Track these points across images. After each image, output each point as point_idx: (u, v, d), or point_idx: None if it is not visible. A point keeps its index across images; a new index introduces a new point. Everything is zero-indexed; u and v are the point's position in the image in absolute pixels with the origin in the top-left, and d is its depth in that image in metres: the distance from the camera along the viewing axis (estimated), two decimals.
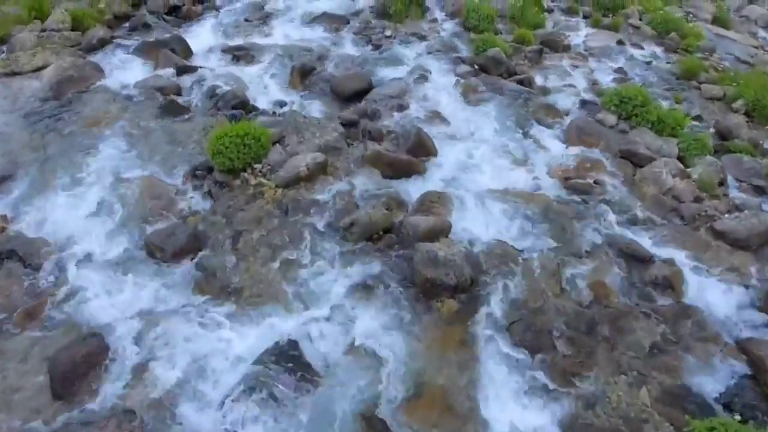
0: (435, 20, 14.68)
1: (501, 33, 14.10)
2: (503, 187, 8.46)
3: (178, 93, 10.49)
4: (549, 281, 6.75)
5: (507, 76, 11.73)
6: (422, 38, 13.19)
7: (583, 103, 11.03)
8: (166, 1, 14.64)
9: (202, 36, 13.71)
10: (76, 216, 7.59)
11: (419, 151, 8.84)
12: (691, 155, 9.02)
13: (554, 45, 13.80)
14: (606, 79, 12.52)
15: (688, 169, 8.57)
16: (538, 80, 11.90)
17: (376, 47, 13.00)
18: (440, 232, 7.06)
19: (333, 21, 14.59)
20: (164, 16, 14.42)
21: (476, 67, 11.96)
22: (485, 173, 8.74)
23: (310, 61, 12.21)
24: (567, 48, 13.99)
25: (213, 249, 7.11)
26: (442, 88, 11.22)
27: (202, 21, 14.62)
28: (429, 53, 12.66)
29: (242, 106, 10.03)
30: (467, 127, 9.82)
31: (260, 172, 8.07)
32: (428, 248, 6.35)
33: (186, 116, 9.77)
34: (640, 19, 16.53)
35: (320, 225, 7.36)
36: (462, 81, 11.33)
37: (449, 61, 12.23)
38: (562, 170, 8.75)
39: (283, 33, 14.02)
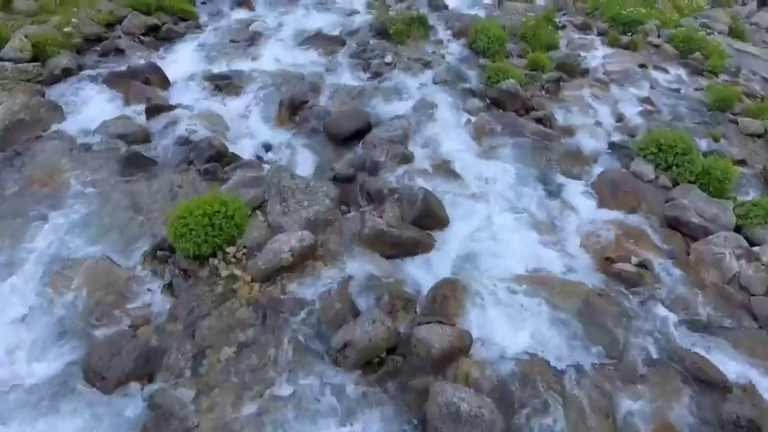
0: (440, 41, 12.79)
1: (512, 56, 12.21)
2: (530, 268, 6.68)
3: (146, 140, 8.63)
4: (601, 423, 4.98)
5: (524, 112, 9.89)
6: (426, 65, 11.31)
7: (613, 147, 9.23)
8: (143, 20, 12.70)
9: (182, 61, 11.81)
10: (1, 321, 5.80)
11: (427, 221, 7.04)
12: (752, 225, 7.23)
13: (571, 69, 11.96)
14: (632, 112, 10.70)
15: (755, 249, 6.78)
16: (559, 116, 10.07)
17: (376, 75, 11.14)
18: (459, 351, 5.30)
19: (327, 42, 12.70)
20: (142, 37, 12.50)
21: (488, 101, 10.12)
22: (506, 248, 6.94)
23: (301, 93, 10.35)
24: (585, 72, 12.15)
25: (169, 374, 5.32)
26: (451, 127, 9.40)
27: (184, 42, 12.72)
28: (435, 83, 10.80)
29: (219, 158, 8.19)
30: (482, 184, 8.02)
31: (234, 257, 6.28)
32: (447, 398, 4.56)
33: (152, 172, 7.94)
34: (659, 36, 14.65)
35: (306, 338, 5.57)
36: (473, 120, 9.50)
37: (457, 94, 10.38)
38: (600, 245, 6.97)
39: (273, 56, 12.14)
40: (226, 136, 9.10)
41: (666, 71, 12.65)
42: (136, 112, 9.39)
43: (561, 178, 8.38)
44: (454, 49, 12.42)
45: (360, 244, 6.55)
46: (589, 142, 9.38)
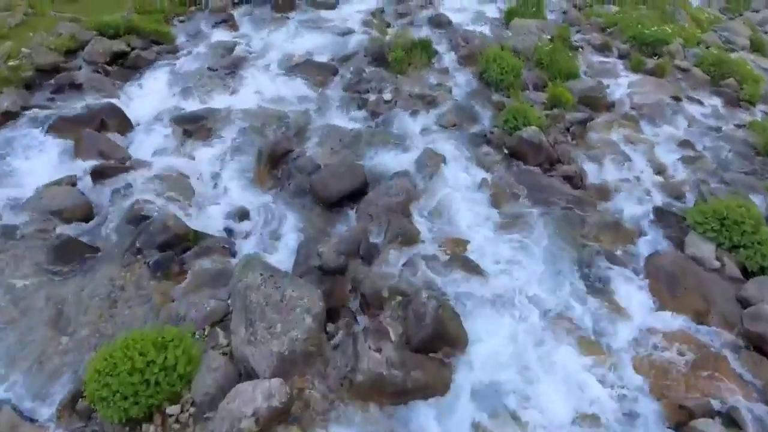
0: (445, 70, 10.74)
1: (528, 87, 10.20)
2: (577, 415, 4.77)
3: (88, 216, 6.69)
4: None
5: (549, 166, 7.93)
6: (430, 102, 9.31)
7: (659, 214, 7.26)
8: (108, 46, 10.65)
9: (149, 96, 9.82)
10: None
11: (439, 343, 5.13)
12: None
13: (596, 103, 9.99)
14: (672, 159, 8.73)
15: None
16: (590, 170, 8.11)
17: (373, 115, 9.15)
18: None
19: (318, 70, 10.67)
20: (106, 66, 10.45)
21: (506, 150, 8.15)
22: (542, 383, 5.03)
23: (284, 140, 8.40)
24: (611, 106, 10.17)
25: None
26: (463, 190, 7.44)
27: (155, 71, 10.68)
28: (441, 126, 8.81)
29: (176, 242, 6.24)
30: (507, 278, 6.07)
31: (177, 421, 4.33)
32: None
33: (89, 265, 6.00)
34: (685, 58, 12.63)
35: None
36: (490, 179, 7.54)
37: (469, 141, 8.42)
38: (667, 378, 5.06)
39: (254, 88, 10.14)
40: (191, 202, 7.16)
41: (700, 103, 10.65)
42: (86, 170, 7.42)
43: (602, 263, 6.44)
44: (462, 79, 10.39)
45: (351, 395, 4.62)
46: (629, 206, 7.43)
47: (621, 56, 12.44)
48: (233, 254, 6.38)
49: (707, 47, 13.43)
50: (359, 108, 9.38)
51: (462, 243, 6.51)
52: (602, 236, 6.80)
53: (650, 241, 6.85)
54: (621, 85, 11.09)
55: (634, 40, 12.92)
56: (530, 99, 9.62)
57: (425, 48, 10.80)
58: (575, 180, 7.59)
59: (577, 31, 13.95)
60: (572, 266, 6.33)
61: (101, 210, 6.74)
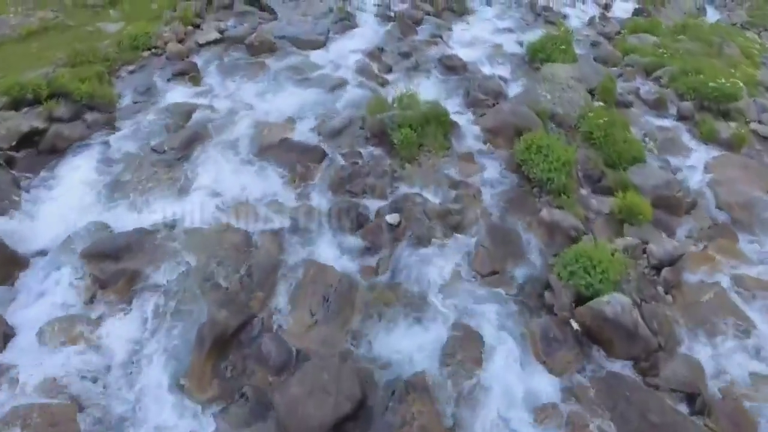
0: (468, 155, 7.40)
1: (581, 182, 6.90)
2: None
3: None
4: None
5: (645, 359, 4.70)
6: (455, 225, 6.01)
7: None
8: (15, 126, 7.27)
9: (62, 202, 6.55)
10: None
11: None
12: None
13: (673, 206, 6.75)
14: None
15: None
16: (709, 368, 4.86)
17: (371, 249, 5.89)
18: None
19: (298, 154, 7.35)
20: (11, 152, 7.10)
21: (576, 327, 4.91)
22: None
23: (237, 311, 5.15)
24: (692, 207, 6.93)
25: None
26: (518, 410, 4.24)
27: (80, 156, 7.36)
28: (473, 272, 5.54)
29: None
30: None
31: None
32: None
33: None
34: (761, 120, 9.32)
35: None
36: (560, 400, 4.32)
37: (518, 307, 5.18)
38: None
39: (211, 184, 6.89)
40: None
41: None
42: None
43: None
44: (493, 171, 7.09)
45: None
46: None
47: (682, 117, 9.11)
48: None
49: None
50: (353, 229, 6.10)
51: None
52: None
53: None
54: (696, 168, 7.84)
55: (694, 92, 9.54)
56: (589, 207, 6.35)
57: (440, 123, 7.46)
58: (696, 401, 4.35)
59: (619, 75, 10.55)
60: None
61: None
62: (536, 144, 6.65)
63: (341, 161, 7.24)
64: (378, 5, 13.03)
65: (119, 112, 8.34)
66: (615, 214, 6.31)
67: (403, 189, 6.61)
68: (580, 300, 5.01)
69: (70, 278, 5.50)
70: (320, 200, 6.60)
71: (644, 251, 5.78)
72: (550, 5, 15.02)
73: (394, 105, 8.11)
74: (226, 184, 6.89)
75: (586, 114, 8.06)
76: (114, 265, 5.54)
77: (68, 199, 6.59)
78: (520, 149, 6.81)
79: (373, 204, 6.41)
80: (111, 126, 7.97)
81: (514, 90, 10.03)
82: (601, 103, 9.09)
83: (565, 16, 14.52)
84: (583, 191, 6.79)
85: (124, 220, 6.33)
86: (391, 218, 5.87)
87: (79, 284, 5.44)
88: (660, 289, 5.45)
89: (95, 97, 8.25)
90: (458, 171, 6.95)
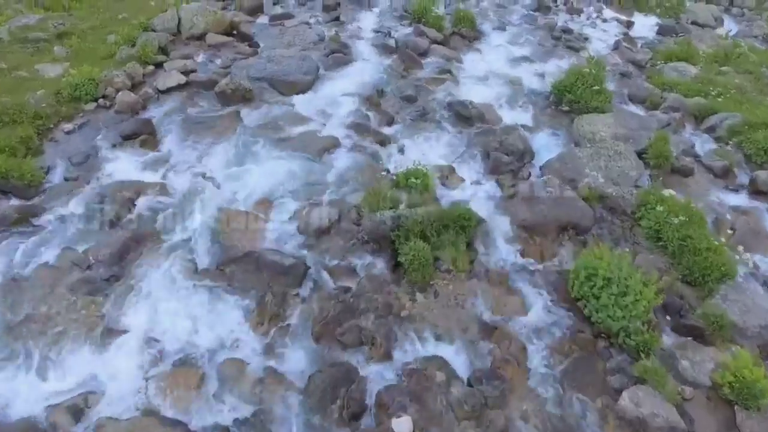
0: (502, 275, 5.12)
1: (660, 321, 4.63)
2: None
3: None
4: None
5: None
6: (487, 425, 3.74)
7: None
8: None
9: None
10: None
11: None
12: None
13: None
14: None
15: None
16: None
17: None
18: None
19: (268, 276, 5.07)
20: None
21: None
22: None
23: None
24: None
25: None
26: None
27: None
28: None
29: None
30: None
31: None
32: None
33: None
34: None
35: None
36: None
37: None
38: None
39: (143, 333, 4.76)
40: None
41: None
42: None
43: None
44: (537, 309, 4.83)
45: None
46: None
47: (757, 191, 6.82)
48: None
49: None
50: (343, 423, 3.82)
51: None
52: None
53: None
54: None
55: (765, 154, 7.24)
56: (680, 373, 4.10)
57: (462, 227, 5.17)
58: None
59: (666, 125, 8.21)
60: None
61: None
62: (601, 275, 4.38)
63: (328, 283, 5.00)
64: (377, 32, 10.63)
65: (43, 198, 6.05)
66: (719, 386, 4.07)
67: (415, 342, 4.36)
68: None
69: None
70: (296, 359, 4.37)
71: None
72: (569, 26, 12.60)
73: (398, 183, 5.85)
74: (166, 326, 4.66)
75: (648, 200, 5.77)
76: None
77: None
78: (576, 280, 4.55)
79: (371, 371, 4.17)
80: (26, 221, 5.69)
81: (540, 143, 7.79)
82: (655, 172, 6.86)
83: (586, 39, 12.10)
84: (666, 338, 4.55)
85: (14, 394, 4.10)
86: (400, 426, 3.61)
87: None
88: None
89: (11, 177, 5.95)
90: (490, 306, 4.70)
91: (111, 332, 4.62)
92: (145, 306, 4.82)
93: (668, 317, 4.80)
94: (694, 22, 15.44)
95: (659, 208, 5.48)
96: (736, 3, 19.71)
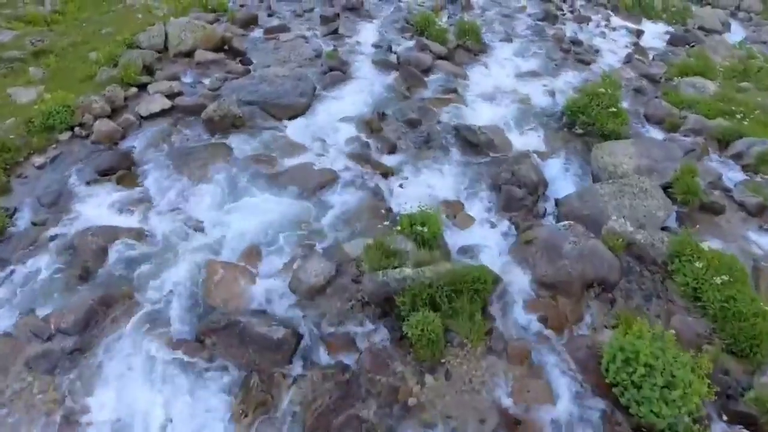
0: (522, 351, 4.33)
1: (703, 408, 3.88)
2: None
3: None
4: None
5: None
6: None
7: None
8: None
9: None
10: None
11: None
12: None
13: None
14: None
15: None
16: None
17: None
18: None
19: (254, 353, 4.35)
20: None
21: None
22: None
23: None
24: None
25: None
26: None
27: None
28: None
29: None
30: None
31: None
32: None
33: None
34: None
35: None
36: None
37: None
38: None
39: (109, 425, 3.78)
40: None
41: None
42: None
43: None
44: (564, 396, 4.08)
45: None
46: None
47: None
48: None
49: None
50: None
51: None
52: None
53: None
54: None
55: None
56: None
57: (476, 291, 4.40)
58: None
59: (690, 151, 7.44)
60: None
61: None
62: (642, 360, 3.63)
63: (323, 358, 4.24)
64: (377, 46, 9.83)
65: (6, 247, 5.27)
66: None
67: None
68: None
69: None
70: None
71: None
72: (578, 37, 11.81)
73: (402, 228, 5.10)
74: (135, 417, 3.91)
75: (683, 251, 5.02)
76: None
77: None
78: (612, 363, 3.80)
79: None
80: None
81: (553, 171, 7.05)
82: (684, 209, 6.12)
83: (597, 51, 11.32)
84: (715, 426, 3.81)
85: None
86: None
87: None
88: None
89: None
90: (510, 391, 3.94)
91: (69, 422, 3.88)
92: (112, 389, 4.08)
93: (715, 397, 4.05)
94: (701, 28, 14.67)
95: (698, 264, 4.73)
96: (742, 7, 18.94)
